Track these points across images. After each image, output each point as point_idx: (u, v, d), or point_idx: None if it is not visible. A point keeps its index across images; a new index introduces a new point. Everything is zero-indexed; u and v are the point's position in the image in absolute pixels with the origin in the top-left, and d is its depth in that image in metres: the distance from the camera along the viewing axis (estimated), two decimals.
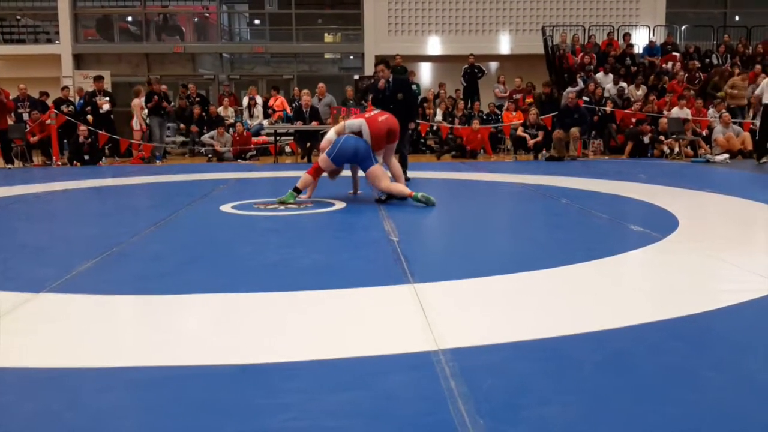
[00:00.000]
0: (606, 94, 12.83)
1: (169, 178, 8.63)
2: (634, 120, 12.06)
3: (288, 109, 13.06)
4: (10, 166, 10.55)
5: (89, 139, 11.04)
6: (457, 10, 16.64)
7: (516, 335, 2.30)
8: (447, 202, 5.89)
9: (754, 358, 2.12)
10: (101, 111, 11.67)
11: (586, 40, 14.96)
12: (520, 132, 11.58)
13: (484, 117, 12.97)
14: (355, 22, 17.13)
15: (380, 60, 7.48)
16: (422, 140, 13.36)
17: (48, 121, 11.21)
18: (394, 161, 6.18)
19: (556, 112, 11.47)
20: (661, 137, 11.44)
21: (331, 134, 5.85)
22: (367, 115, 5.88)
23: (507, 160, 11.32)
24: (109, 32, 17.50)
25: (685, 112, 11.72)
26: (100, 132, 11.38)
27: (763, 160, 9.55)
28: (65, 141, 11.69)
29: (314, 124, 10.81)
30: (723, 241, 3.99)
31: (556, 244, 4.05)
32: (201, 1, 18.02)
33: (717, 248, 3.71)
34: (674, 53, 14.49)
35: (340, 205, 5.63)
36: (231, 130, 12.48)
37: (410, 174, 7.41)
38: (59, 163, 11.14)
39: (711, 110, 12.10)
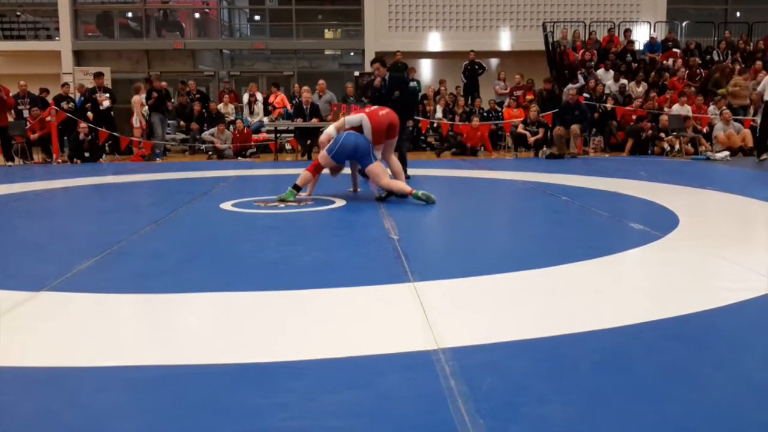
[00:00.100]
0: (607, 91, 12.81)
1: (169, 175, 8.63)
2: (634, 117, 12.05)
3: (288, 106, 13.05)
4: (10, 163, 10.55)
5: (89, 136, 11.04)
6: (457, 6, 16.62)
7: (516, 334, 2.29)
8: (447, 200, 5.88)
9: (754, 357, 2.12)
10: (101, 108, 11.67)
11: (587, 37, 14.93)
12: (520, 129, 11.57)
13: (485, 114, 12.96)
14: (355, 18, 17.11)
15: (376, 58, 7.45)
16: (423, 137, 13.35)
17: (48, 118, 11.21)
18: (394, 159, 6.17)
19: (557, 109, 11.45)
20: (662, 134, 11.43)
21: (330, 130, 5.84)
22: (367, 110, 5.88)
23: (507, 158, 11.31)
24: (109, 28, 17.49)
25: (686, 109, 11.71)
26: (100, 129, 11.38)
27: (764, 156, 9.54)
28: (65, 138, 11.69)
29: (314, 121, 10.80)
30: (723, 239, 3.99)
31: (557, 242, 4.04)
32: None
33: (717, 246, 3.71)
34: (675, 50, 14.47)
35: (340, 202, 5.63)
36: (231, 127, 12.47)
37: (410, 171, 7.40)
38: (59, 160, 11.14)
39: (712, 107, 12.08)
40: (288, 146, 12.90)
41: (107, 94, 11.87)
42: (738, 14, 17.51)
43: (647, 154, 11.44)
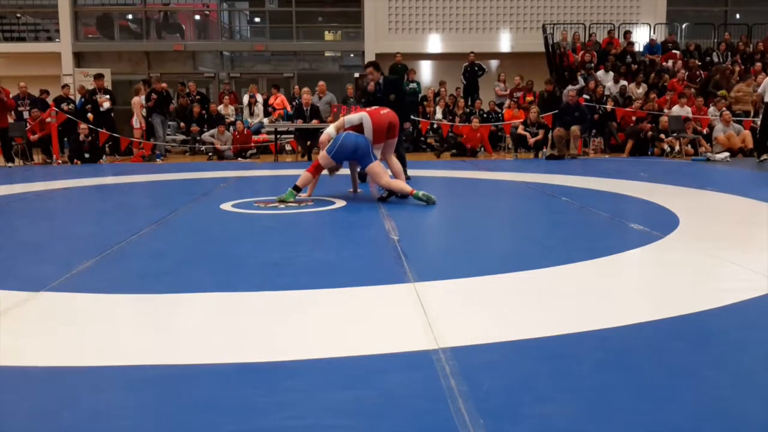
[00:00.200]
0: (606, 93, 12.82)
1: (169, 176, 8.63)
2: (634, 118, 12.06)
3: (288, 108, 13.06)
4: (10, 164, 10.55)
5: (90, 138, 11.05)
6: (457, 7, 16.63)
7: (516, 334, 2.29)
8: (447, 201, 5.88)
9: (756, 357, 2.12)
10: (102, 109, 11.69)
11: (587, 38, 14.96)
12: (520, 130, 11.57)
13: (485, 115, 12.97)
14: (355, 19, 17.12)
15: (369, 62, 7.40)
16: (423, 138, 13.36)
17: (48, 120, 11.21)
18: (394, 159, 6.16)
19: (557, 110, 11.46)
20: (662, 135, 11.44)
21: (330, 130, 5.84)
22: (368, 109, 5.88)
23: (507, 159, 11.31)
24: (110, 30, 17.50)
25: (686, 111, 11.72)
26: (100, 130, 11.38)
27: (764, 157, 9.54)
28: (66, 139, 11.70)
29: (315, 123, 10.80)
30: (724, 240, 3.99)
31: (557, 243, 4.04)
32: None
33: (718, 247, 3.71)
34: (675, 51, 14.48)
35: (340, 203, 5.63)
36: (231, 128, 12.48)
37: (410, 172, 7.39)
38: (59, 161, 11.14)
39: (712, 108, 12.09)
40: (288, 147, 12.91)
41: (107, 96, 11.89)
42: (738, 16, 17.53)
43: (647, 155, 11.45)
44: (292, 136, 12.18)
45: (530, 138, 11.36)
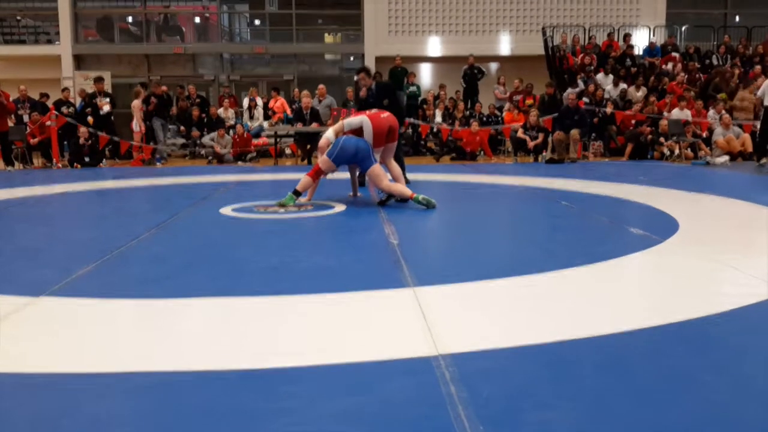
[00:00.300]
0: (606, 96, 12.83)
1: (169, 180, 8.64)
2: (634, 122, 12.06)
3: (288, 111, 13.06)
4: (10, 168, 10.55)
5: (89, 141, 11.05)
6: (457, 10, 16.65)
7: (516, 340, 2.29)
8: (447, 205, 5.88)
9: (755, 363, 2.12)
10: (101, 112, 11.68)
11: (587, 41, 14.97)
12: (520, 134, 11.58)
13: (484, 119, 12.97)
14: (355, 22, 17.14)
15: (361, 68, 7.38)
16: (422, 142, 13.36)
17: (48, 123, 11.22)
18: (393, 163, 6.16)
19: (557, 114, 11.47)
20: (661, 139, 11.44)
21: (329, 134, 5.84)
22: (368, 112, 5.88)
23: (507, 162, 11.31)
24: (110, 33, 17.51)
25: (686, 114, 11.72)
26: (100, 134, 11.38)
27: (763, 161, 9.55)
28: (65, 143, 11.70)
29: (314, 126, 10.80)
30: (723, 244, 3.99)
31: (557, 247, 4.04)
32: (201, 1, 18.05)
33: (717, 251, 3.71)
34: (674, 54, 14.49)
35: (340, 207, 5.63)
36: (231, 131, 12.48)
37: (410, 176, 7.39)
38: (59, 165, 11.14)
39: (711, 112, 12.09)
40: (288, 151, 12.91)
41: (107, 99, 11.88)
42: (737, 19, 17.56)
43: (647, 158, 11.44)
44: (292, 139, 12.18)
45: (530, 141, 11.37)
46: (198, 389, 1.91)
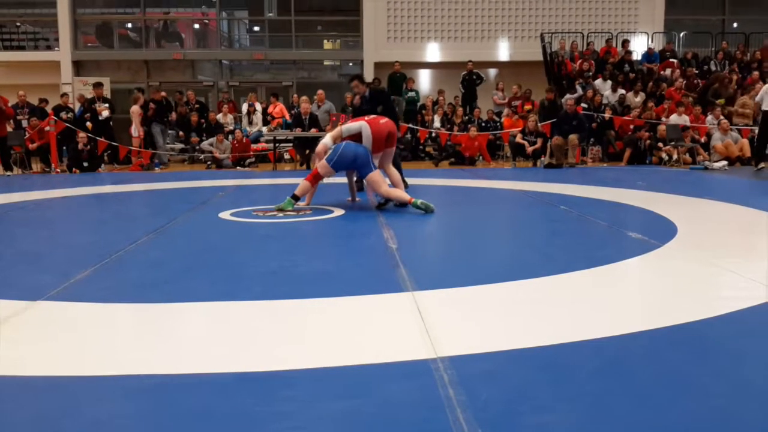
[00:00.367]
0: (605, 101, 12.86)
1: (167, 185, 8.64)
2: (632, 127, 12.09)
3: (287, 116, 13.08)
4: (9, 173, 10.56)
5: (88, 146, 11.05)
6: (456, 17, 16.70)
7: (515, 343, 2.29)
8: (446, 210, 5.88)
9: (754, 366, 2.12)
10: (100, 118, 11.70)
11: (585, 47, 15.01)
12: (519, 139, 11.60)
13: (483, 124, 13.00)
14: (354, 28, 17.18)
15: (354, 75, 7.39)
16: (421, 147, 13.38)
17: (47, 128, 11.23)
18: (392, 168, 6.17)
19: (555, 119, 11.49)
20: (660, 144, 11.46)
21: (327, 140, 5.84)
22: (367, 118, 5.89)
23: (506, 167, 11.33)
24: (109, 39, 17.55)
25: (684, 119, 11.75)
26: (99, 139, 11.39)
27: (761, 165, 9.56)
28: (64, 148, 11.70)
29: (313, 131, 10.82)
30: (722, 249, 3.99)
31: (555, 252, 4.05)
32: (200, 7, 18.09)
33: (716, 255, 3.71)
34: (672, 60, 14.54)
35: (338, 212, 5.63)
36: (230, 137, 12.50)
37: (408, 181, 7.39)
38: (58, 170, 11.15)
39: (710, 117, 12.12)
40: (287, 156, 12.92)
41: (106, 104, 11.90)
42: (735, 25, 17.61)
43: (645, 163, 11.47)
44: (291, 144, 12.19)
45: (528, 147, 11.38)
46: (196, 392, 1.91)
